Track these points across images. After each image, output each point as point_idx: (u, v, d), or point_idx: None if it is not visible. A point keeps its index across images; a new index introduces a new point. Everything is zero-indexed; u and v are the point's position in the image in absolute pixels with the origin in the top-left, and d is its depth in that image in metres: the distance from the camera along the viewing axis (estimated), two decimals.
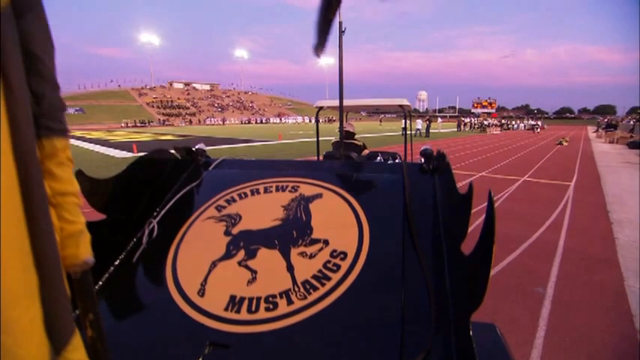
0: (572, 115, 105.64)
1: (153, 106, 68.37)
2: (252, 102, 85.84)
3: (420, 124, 24.30)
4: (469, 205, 0.97)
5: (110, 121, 58.46)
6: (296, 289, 1.03)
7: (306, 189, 1.35)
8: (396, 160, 2.88)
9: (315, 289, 1.02)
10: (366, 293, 0.99)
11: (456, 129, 35.56)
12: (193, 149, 1.67)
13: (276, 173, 1.46)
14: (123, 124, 53.31)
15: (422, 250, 1.06)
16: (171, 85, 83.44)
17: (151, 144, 18.43)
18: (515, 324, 2.41)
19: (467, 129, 38.60)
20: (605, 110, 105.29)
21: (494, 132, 32.68)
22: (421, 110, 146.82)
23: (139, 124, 55.18)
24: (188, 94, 79.36)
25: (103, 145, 17.88)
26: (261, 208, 1.31)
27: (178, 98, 73.75)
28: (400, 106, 3.42)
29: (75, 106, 62.91)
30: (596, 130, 37.53)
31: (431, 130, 25.55)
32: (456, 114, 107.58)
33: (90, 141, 20.53)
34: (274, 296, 1.01)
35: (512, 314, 2.52)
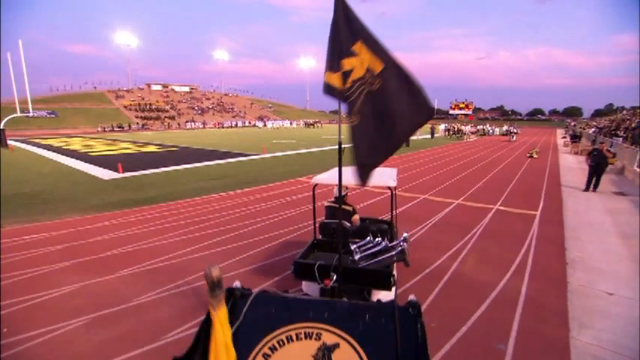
0: (544, 117, 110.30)
1: (131, 109, 66.81)
2: (232, 104, 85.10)
3: None
4: None
5: (85, 125, 56.68)
6: None
7: (327, 337, 1.81)
8: (384, 241, 3.37)
9: None
10: None
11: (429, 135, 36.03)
12: (233, 287, 2.09)
13: (302, 317, 1.92)
14: (99, 129, 51.94)
15: None
16: (149, 86, 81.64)
17: (135, 157, 18.24)
18: None
19: (446, 135, 39.91)
20: (573, 112, 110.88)
21: (471, 139, 34.06)
22: None
23: (116, 129, 53.88)
24: (167, 96, 77.89)
25: (85, 160, 17.58)
26: (297, 358, 1.76)
27: (157, 101, 72.32)
28: (388, 187, 3.96)
29: (47, 109, 60.51)
30: (564, 136, 39.73)
31: (411, 138, 26.62)
32: (435, 115, 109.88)
33: (70, 155, 20.08)
34: None
35: None
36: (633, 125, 24.54)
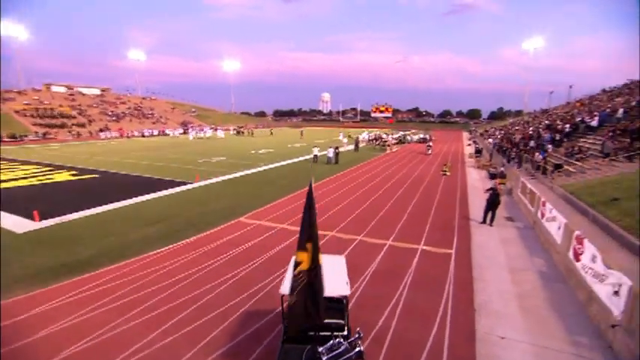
0: (452, 120, 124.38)
1: (25, 115, 57.87)
2: (151, 109, 79.01)
3: (331, 152, 26.64)
4: None
5: None
6: None
7: None
8: (344, 342, 4.21)
9: None
10: None
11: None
12: None
13: None
14: None
15: None
16: (48, 88, 71.41)
17: (48, 192, 16.16)
18: None
19: (369, 144, 42.90)
20: (474, 114, 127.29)
21: (394, 150, 37.27)
22: (324, 111, 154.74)
23: (7, 139, 46.36)
24: (73, 100, 69.14)
25: None
26: None
27: (60, 105, 63.74)
28: (345, 296, 4.81)
29: None
30: (469, 143, 45.88)
31: (340, 150, 28.21)
32: (358, 118, 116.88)
33: None
34: None
35: None
36: (517, 140, 29.71)
